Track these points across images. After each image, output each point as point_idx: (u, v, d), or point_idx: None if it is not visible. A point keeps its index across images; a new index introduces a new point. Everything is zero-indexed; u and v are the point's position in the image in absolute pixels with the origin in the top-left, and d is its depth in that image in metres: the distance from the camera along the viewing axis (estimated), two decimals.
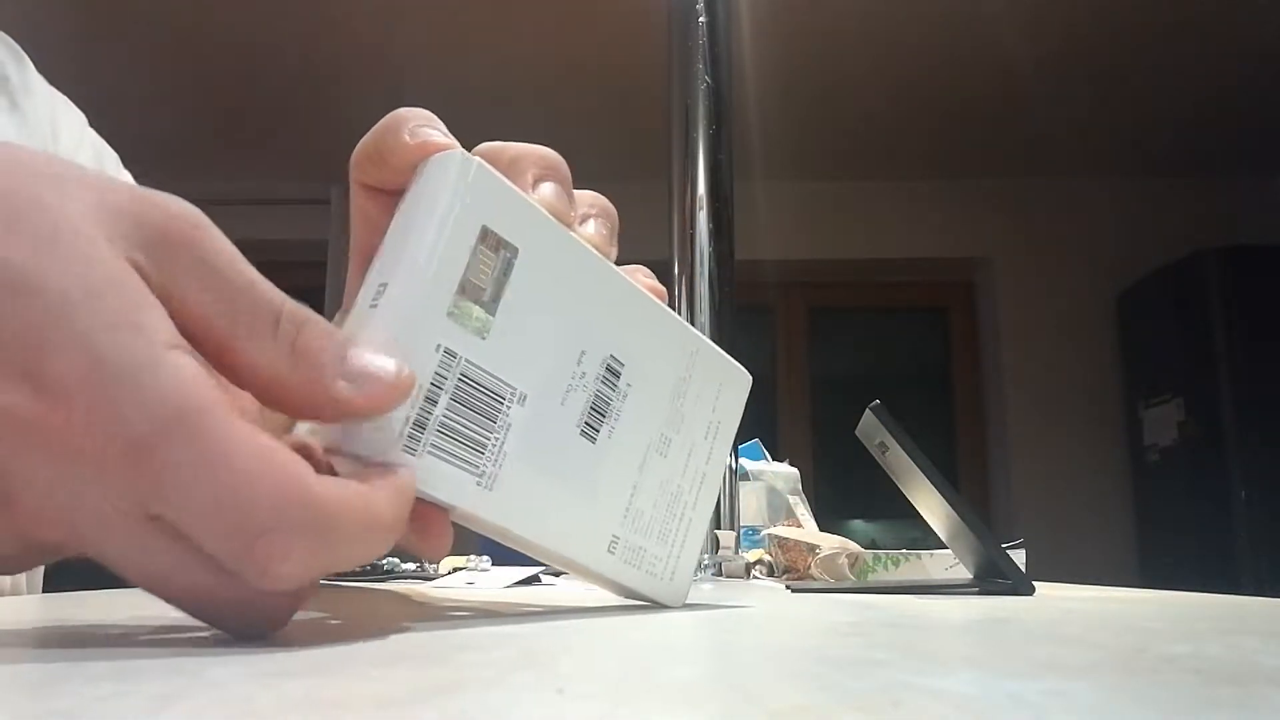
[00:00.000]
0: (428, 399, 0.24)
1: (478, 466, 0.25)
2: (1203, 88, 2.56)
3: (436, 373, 0.24)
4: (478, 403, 0.25)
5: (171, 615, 0.21)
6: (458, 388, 0.25)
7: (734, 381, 0.34)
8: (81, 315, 0.18)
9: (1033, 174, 3.11)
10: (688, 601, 0.33)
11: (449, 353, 0.25)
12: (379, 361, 0.22)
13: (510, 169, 0.28)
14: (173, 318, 0.19)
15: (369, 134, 0.30)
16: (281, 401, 0.21)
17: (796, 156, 2.92)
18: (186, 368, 0.18)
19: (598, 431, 0.29)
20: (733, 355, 0.34)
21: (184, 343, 0.19)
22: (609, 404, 0.29)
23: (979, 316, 3.27)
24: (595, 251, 0.29)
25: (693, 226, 0.59)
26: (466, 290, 0.25)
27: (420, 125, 0.28)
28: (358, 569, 0.65)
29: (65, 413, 0.17)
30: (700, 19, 0.61)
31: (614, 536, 0.30)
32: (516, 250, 0.26)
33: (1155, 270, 2.82)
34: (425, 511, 0.25)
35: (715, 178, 0.59)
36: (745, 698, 0.14)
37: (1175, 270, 2.73)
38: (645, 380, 0.30)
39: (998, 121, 2.78)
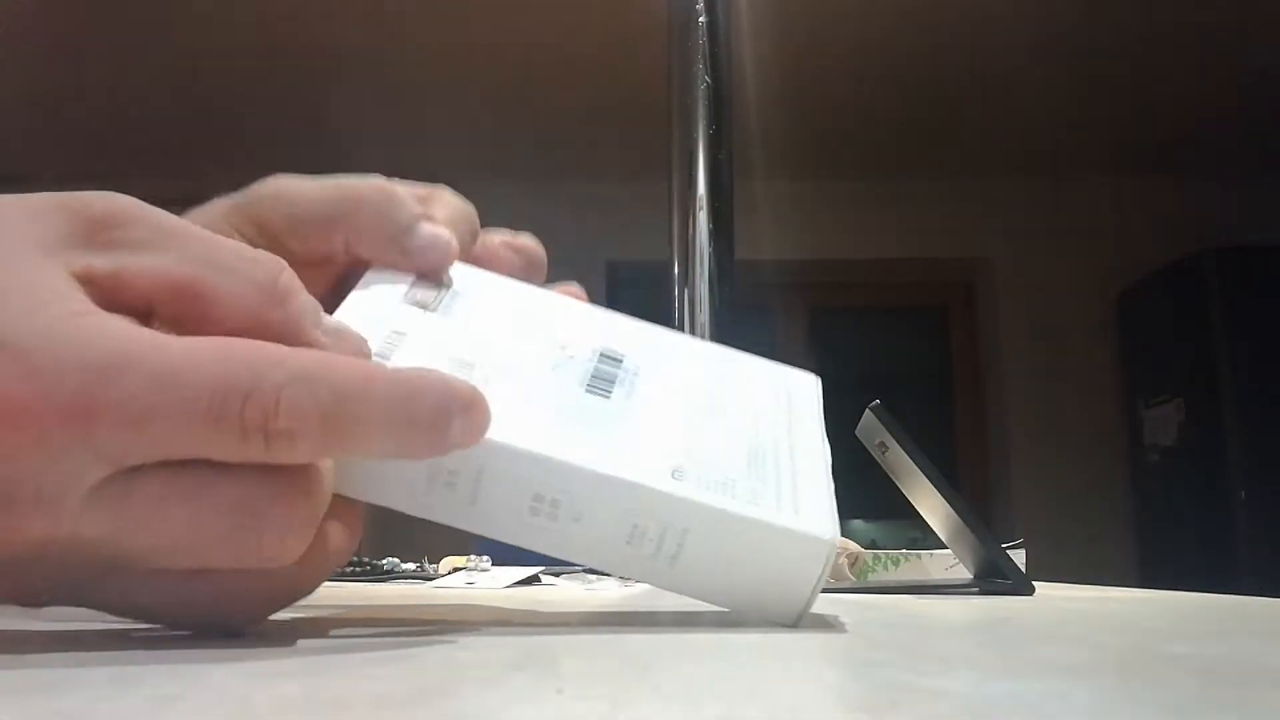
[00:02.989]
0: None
1: None
2: (1203, 88, 2.56)
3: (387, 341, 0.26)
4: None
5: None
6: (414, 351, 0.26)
7: (798, 385, 0.34)
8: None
9: (1033, 174, 3.11)
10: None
11: (398, 332, 0.26)
12: (346, 327, 0.23)
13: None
14: (133, 296, 0.20)
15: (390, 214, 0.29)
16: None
17: (796, 156, 2.91)
18: (109, 319, 0.19)
19: (609, 393, 0.27)
20: None
21: (103, 311, 0.19)
22: (614, 378, 0.28)
23: (979, 316, 3.26)
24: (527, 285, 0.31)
25: (693, 226, 0.59)
26: (413, 300, 0.28)
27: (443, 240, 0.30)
28: (356, 569, 0.65)
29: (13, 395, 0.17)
30: (700, 19, 0.61)
31: (676, 466, 0.26)
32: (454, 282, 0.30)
33: (1155, 270, 2.82)
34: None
35: (715, 178, 0.59)
36: (745, 698, 0.14)
37: (1175, 270, 2.73)
38: (656, 372, 0.29)
39: (998, 122, 2.77)
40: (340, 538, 0.23)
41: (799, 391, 0.33)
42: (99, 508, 0.18)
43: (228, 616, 0.21)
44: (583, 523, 0.25)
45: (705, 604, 0.25)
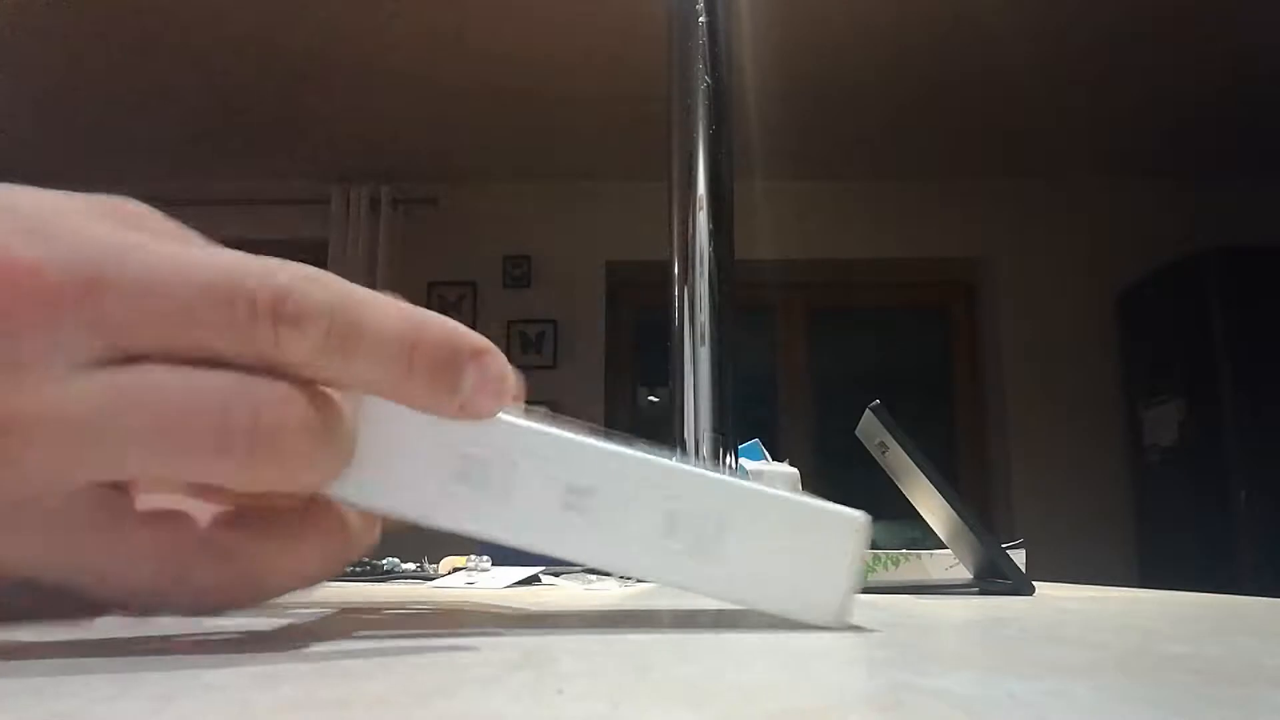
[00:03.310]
0: None
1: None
2: (1202, 88, 2.56)
3: None
4: None
5: (169, 618, 0.21)
6: None
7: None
8: None
9: (1033, 174, 3.11)
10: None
11: None
12: None
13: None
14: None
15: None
16: None
17: (796, 156, 2.92)
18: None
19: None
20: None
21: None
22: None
23: (979, 316, 3.27)
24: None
25: (693, 226, 0.59)
26: None
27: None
28: (356, 569, 0.65)
29: None
30: (700, 19, 0.61)
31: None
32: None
33: (1155, 270, 2.82)
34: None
35: (715, 178, 0.59)
36: (745, 698, 0.14)
37: (1175, 270, 2.73)
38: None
39: (998, 121, 2.78)
40: (359, 522, 0.22)
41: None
42: (84, 380, 0.17)
43: (259, 587, 0.20)
44: (618, 515, 0.24)
45: (705, 605, 0.25)
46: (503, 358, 0.21)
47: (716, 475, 0.25)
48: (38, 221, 0.18)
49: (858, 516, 0.26)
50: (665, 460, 0.25)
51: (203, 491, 0.21)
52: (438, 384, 0.20)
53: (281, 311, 0.18)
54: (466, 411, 0.21)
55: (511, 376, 0.21)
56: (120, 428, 0.17)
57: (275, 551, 0.20)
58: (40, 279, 0.17)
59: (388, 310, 0.20)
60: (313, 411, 0.19)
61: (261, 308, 0.18)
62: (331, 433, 0.19)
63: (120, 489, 0.19)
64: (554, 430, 0.24)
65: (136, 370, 0.18)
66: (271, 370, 0.18)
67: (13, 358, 0.17)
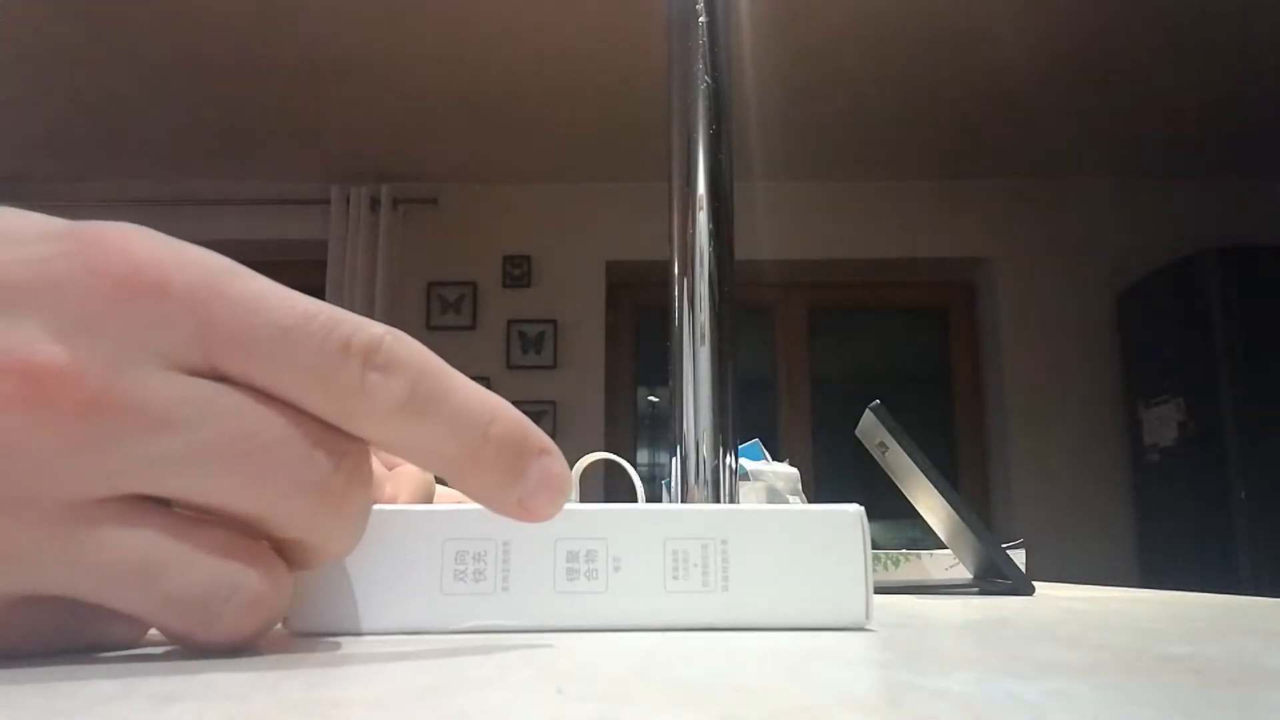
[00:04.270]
0: None
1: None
2: (1203, 88, 2.56)
3: None
4: None
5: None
6: None
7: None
8: None
9: (1033, 174, 3.11)
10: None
11: None
12: None
13: None
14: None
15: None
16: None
17: (796, 156, 2.92)
18: None
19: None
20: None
21: None
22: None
23: (979, 316, 3.27)
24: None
25: (693, 226, 0.59)
26: None
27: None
28: None
29: None
30: (700, 19, 0.61)
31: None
32: None
33: (1155, 270, 2.82)
34: None
35: (715, 178, 0.59)
36: (745, 698, 0.14)
37: (1175, 270, 2.73)
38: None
39: (998, 121, 2.78)
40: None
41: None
42: (176, 381, 0.17)
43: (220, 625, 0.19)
44: (624, 569, 0.24)
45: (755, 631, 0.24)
46: (565, 462, 0.21)
47: (710, 507, 0.26)
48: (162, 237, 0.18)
49: (855, 509, 0.26)
50: (657, 506, 0.25)
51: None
52: (505, 468, 0.20)
53: (373, 357, 0.18)
54: (524, 507, 0.20)
55: (570, 484, 0.21)
56: (198, 439, 0.17)
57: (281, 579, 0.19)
58: (163, 273, 0.17)
59: (471, 384, 0.20)
60: (371, 470, 0.19)
61: (355, 348, 0.18)
62: (375, 493, 0.20)
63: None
64: None
65: (225, 388, 0.18)
66: (346, 419, 0.18)
67: (122, 339, 0.17)
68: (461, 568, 0.24)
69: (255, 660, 0.18)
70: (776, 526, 0.25)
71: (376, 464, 0.31)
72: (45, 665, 0.17)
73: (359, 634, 0.24)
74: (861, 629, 0.25)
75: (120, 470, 0.17)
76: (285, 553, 0.19)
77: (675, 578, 0.24)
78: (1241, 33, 2.31)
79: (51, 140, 2.86)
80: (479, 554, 0.24)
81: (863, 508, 0.26)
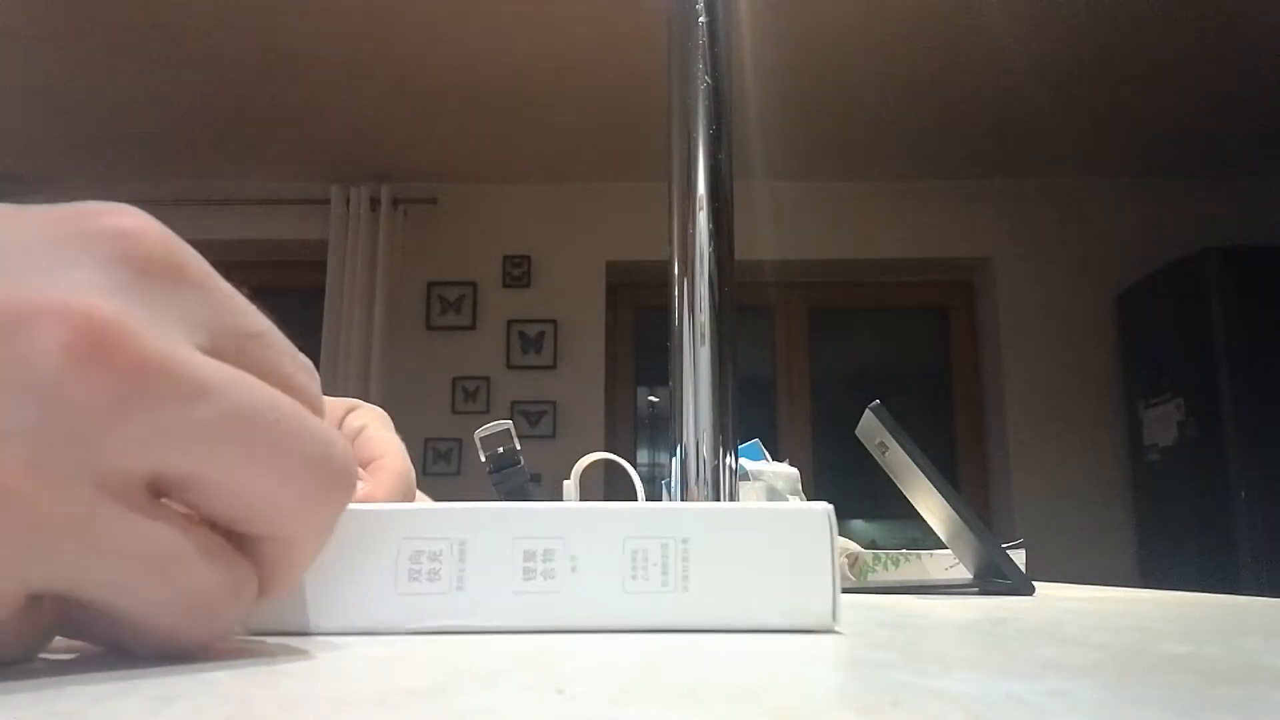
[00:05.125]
0: None
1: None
2: (1203, 88, 2.56)
3: None
4: None
5: None
6: None
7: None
8: None
9: (1033, 174, 3.11)
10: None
11: None
12: None
13: None
14: None
15: None
16: None
17: (796, 156, 2.92)
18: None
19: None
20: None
21: None
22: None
23: (979, 316, 3.27)
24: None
25: (693, 226, 0.59)
26: None
27: None
28: None
29: None
30: (700, 19, 0.61)
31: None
32: None
33: (1155, 270, 2.82)
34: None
35: (715, 178, 0.59)
36: (746, 698, 0.14)
37: (1175, 270, 2.73)
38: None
39: (998, 121, 2.78)
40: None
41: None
42: (195, 356, 0.17)
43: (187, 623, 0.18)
44: (581, 569, 0.24)
45: (719, 632, 0.24)
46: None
47: (671, 505, 0.25)
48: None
49: (822, 507, 0.25)
50: (615, 504, 0.25)
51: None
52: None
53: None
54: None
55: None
56: (229, 408, 0.17)
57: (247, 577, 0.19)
58: (178, 256, 0.18)
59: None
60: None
61: (301, 358, 0.20)
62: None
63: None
64: (499, 505, 0.24)
65: (234, 367, 0.18)
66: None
67: (155, 308, 0.17)
68: (417, 567, 0.23)
69: (255, 660, 0.18)
70: (739, 525, 0.24)
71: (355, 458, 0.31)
72: (46, 665, 0.17)
73: (310, 634, 0.23)
74: (830, 631, 0.24)
75: (156, 439, 0.16)
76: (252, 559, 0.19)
77: (634, 577, 0.24)
78: (1242, 33, 2.31)
79: (51, 140, 2.86)
80: (435, 554, 0.23)
81: (831, 506, 0.25)
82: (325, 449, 0.19)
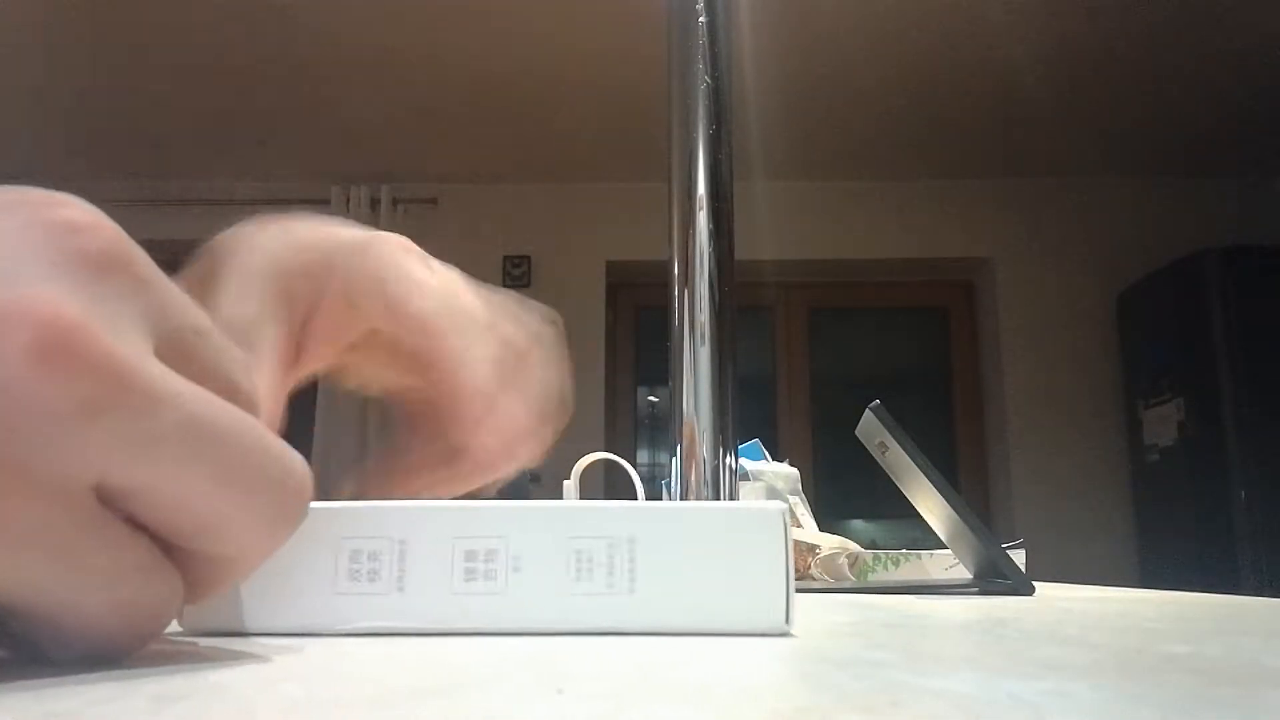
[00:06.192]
0: None
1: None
2: (1203, 88, 2.56)
3: None
4: None
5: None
6: None
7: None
8: None
9: (1033, 174, 3.11)
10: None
11: None
12: None
13: None
14: None
15: None
16: None
17: (796, 156, 2.92)
18: None
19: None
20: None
21: None
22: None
23: (979, 316, 3.27)
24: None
25: (693, 226, 0.59)
26: None
27: None
28: None
29: None
30: (700, 19, 0.61)
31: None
32: None
33: (1155, 270, 2.82)
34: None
35: (715, 178, 0.59)
36: (746, 698, 0.14)
37: (1175, 270, 2.73)
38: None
39: (998, 121, 2.78)
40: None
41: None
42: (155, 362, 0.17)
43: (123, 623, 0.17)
44: (524, 570, 0.23)
45: (668, 636, 0.23)
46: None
47: (617, 504, 0.24)
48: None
49: (776, 507, 0.24)
50: (559, 503, 0.24)
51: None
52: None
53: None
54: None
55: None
56: (184, 420, 0.16)
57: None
58: (126, 249, 0.17)
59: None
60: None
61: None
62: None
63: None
64: (440, 503, 0.24)
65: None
66: None
67: (112, 306, 0.16)
68: (356, 567, 0.23)
69: (255, 660, 0.18)
70: (688, 525, 0.24)
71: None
72: (44, 666, 0.17)
73: (246, 634, 0.23)
74: (783, 634, 0.23)
75: (115, 446, 0.15)
76: (185, 570, 0.18)
77: (578, 579, 0.23)
78: (1242, 33, 2.31)
79: (50, 140, 2.86)
80: (374, 553, 0.23)
81: (786, 506, 0.24)
82: (284, 471, 0.18)
